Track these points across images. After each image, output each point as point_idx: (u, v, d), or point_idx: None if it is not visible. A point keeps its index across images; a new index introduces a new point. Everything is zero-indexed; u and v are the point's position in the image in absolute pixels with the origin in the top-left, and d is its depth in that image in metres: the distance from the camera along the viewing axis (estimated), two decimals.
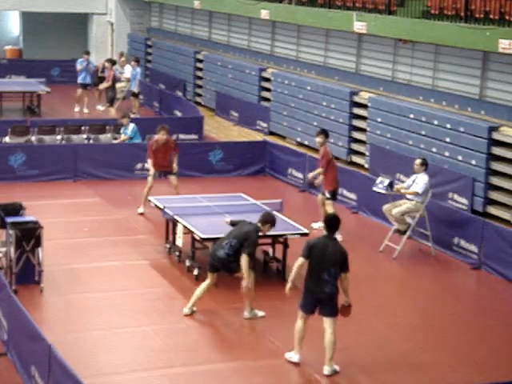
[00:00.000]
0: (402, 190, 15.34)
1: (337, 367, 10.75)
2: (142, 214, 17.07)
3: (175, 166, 17.33)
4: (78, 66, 28.16)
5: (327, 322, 10.67)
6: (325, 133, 16.56)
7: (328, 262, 10.51)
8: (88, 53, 28.85)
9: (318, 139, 16.42)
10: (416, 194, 15.07)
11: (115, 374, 10.51)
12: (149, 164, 17.38)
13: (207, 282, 12.26)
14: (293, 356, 10.98)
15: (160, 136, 17.18)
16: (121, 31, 35.07)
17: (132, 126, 20.77)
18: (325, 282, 10.53)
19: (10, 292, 10.78)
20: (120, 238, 15.64)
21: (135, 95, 27.15)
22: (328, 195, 16.16)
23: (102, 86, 26.98)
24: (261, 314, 12.33)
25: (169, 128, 17.62)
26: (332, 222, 10.75)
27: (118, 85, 27.49)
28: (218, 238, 13.33)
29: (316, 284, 10.59)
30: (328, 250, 10.53)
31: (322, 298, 10.62)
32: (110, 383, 10.34)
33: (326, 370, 10.69)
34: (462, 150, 17.37)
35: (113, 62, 27.31)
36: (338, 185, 16.44)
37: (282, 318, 12.38)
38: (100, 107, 28.24)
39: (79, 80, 28.12)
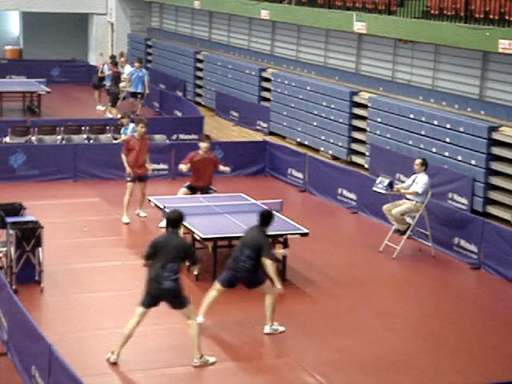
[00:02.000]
0: (402, 190, 15.35)
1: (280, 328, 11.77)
2: (127, 223, 16.37)
3: (148, 166, 16.68)
4: (106, 71, 27.28)
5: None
6: (209, 138, 16.25)
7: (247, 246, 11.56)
8: (114, 57, 27.91)
9: (206, 144, 15.81)
10: (416, 193, 15.08)
11: (115, 374, 10.52)
12: (124, 163, 16.52)
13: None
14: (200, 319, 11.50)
15: (139, 129, 16.53)
16: (121, 31, 35.09)
17: (132, 125, 20.76)
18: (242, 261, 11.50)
19: (10, 292, 10.79)
20: (120, 238, 15.66)
21: (138, 95, 26.62)
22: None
23: (122, 87, 26.79)
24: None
25: (147, 122, 16.92)
26: (265, 216, 11.80)
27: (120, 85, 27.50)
28: (217, 238, 13.38)
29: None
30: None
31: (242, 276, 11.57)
32: (110, 383, 10.35)
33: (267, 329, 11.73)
34: (461, 149, 17.37)
35: (115, 62, 27.27)
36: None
37: (282, 317, 12.38)
38: (100, 107, 28.25)
39: (131, 90, 26.71)
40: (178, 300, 10.78)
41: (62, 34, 37.24)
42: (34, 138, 21.33)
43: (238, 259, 11.58)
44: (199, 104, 28.50)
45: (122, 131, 21.09)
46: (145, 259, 10.77)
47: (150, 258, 10.72)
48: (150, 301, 10.79)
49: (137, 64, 26.41)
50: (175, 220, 10.87)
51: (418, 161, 15.34)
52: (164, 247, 10.64)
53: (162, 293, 10.68)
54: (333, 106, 21.63)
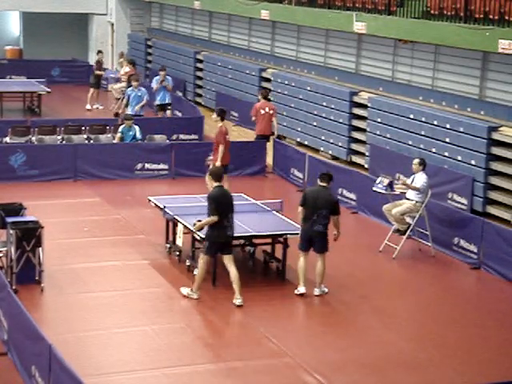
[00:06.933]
0: (408, 182, 15.23)
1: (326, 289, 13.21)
2: None
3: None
4: (155, 85, 24.12)
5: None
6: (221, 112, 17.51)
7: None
8: (164, 69, 24.64)
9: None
10: (417, 189, 15.01)
11: (115, 374, 10.52)
12: None
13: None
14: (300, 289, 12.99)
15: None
16: (121, 31, 35.09)
17: (122, 126, 20.78)
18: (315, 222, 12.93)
19: (10, 292, 10.79)
20: (120, 238, 15.65)
21: (163, 108, 24.36)
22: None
23: (117, 86, 26.44)
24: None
25: None
26: (325, 174, 13.37)
27: (116, 85, 27.43)
28: None
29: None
30: (319, 196, 12.99)
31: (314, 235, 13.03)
32: (110, 383, 10.36)
33: (316, 291, 13.15)
34: (461, 150, 17.38)
35: (133, 63, 26.98)
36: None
37: (282, 317, 12.40)
38: (99, 106, 28.20)
39: (157, 101, 24.26)
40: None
41: (62, 34, 37.22)
42: (34, 138, 21.32)
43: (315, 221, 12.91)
44: (199, 104, 28.50)
45: (119, 130, 20.94)
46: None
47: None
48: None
49: (135, 83, 23.10)
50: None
51: (416, 160, 15.36)
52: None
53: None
54: (333, 106, 21.64)
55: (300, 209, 13.02)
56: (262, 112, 20.69)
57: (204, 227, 12.81)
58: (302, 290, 12.97)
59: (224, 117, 17.62)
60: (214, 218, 12.47)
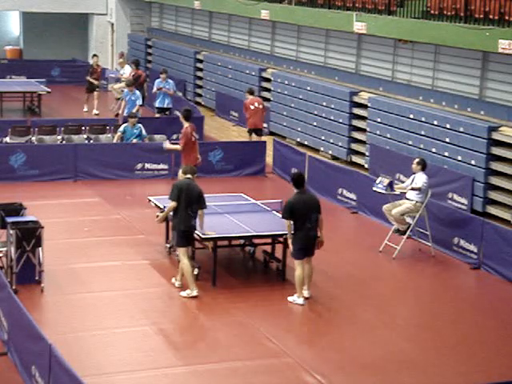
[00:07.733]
0: (404, 186, 15.24)
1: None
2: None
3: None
4: (154, 88, 24.09)
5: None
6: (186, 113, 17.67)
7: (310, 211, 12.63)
8: (165, 71, 24.42)
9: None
10: (418, 189, 14.99)
11: (115, 374, 10.52)
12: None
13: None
14: (296, 299, 12.72)
15: None
16: (121, 31, 35.10)
17: (124, 125, 20.77)
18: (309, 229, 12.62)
19: (10, 292, 10.79)
20: (120, 238, 15.65)
21: (162, 111, 24.27)
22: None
23: (117, 86, 26.43)
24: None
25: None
26: (298, 178, 12.81)
27: (116, 85, 27.37)
28: (217, 238, 13.39)
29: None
30: (306, 203, 12.59)
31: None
32: (110, 383, 10.35)
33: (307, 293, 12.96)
34: (461, 150, 17.39)
35: (137, 64, 26.80)
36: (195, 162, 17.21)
37: (282, 317, 12.39)
38: (86, 109, 27.91)
39: (156, 104, 24.24)
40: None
41: (62, 34, 37.22)
42: (34, 138, 21.33)
43: (309, 228, 12.59)
44: (199, 104, 28.51)
45: (121, 129, 20.91)
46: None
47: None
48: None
49: (130, 87, 23.28)
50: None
51: (416, 160, 15.35)
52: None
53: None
54: (333, 106, 21.64)
55: (288, 222, 12.51)
56: (252, 107, 21.41)
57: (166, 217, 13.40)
58: (300, 301, 12.74)
59: (189, 117, 17.63)
60: (173, 204, 12.82)
